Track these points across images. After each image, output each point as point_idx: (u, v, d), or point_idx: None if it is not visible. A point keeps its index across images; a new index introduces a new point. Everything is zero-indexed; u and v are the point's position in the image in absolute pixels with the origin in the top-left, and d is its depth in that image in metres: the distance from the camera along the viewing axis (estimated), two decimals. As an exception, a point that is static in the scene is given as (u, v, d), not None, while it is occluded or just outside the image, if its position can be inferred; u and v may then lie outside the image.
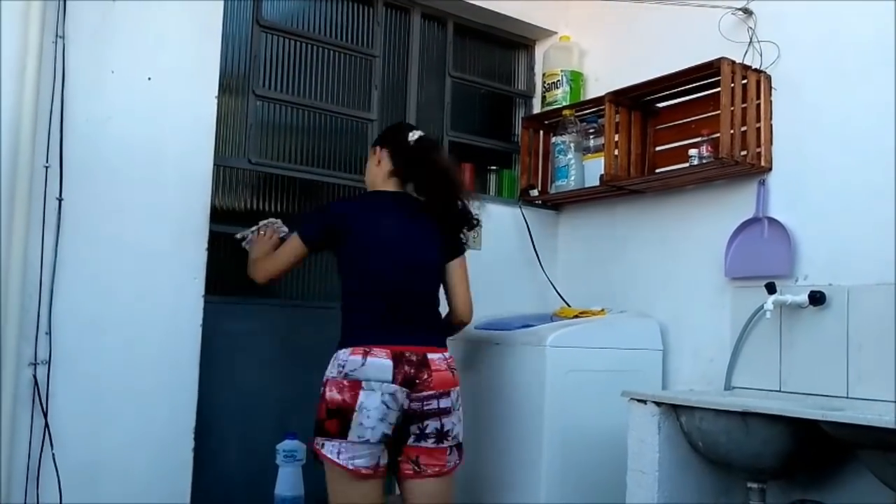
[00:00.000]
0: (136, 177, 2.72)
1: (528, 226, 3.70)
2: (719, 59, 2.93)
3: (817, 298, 2.71)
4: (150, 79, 2.76)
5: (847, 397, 2.59)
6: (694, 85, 3.18)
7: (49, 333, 2.53)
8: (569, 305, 3.55)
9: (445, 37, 3.81)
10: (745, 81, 2.96)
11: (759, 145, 2.97)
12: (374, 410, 2.31)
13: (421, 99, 3.70)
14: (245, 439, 3.07)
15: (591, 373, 2.99)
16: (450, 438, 2.45)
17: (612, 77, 3.57)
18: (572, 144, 3.59)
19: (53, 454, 2.51)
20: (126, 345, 2.68)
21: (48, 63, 2.55)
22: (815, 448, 2.39)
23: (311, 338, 3.25)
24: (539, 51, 4.05)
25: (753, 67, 3.00)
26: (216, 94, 2.90)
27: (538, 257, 3.70)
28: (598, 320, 3.20)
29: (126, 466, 2.66)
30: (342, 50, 3.48)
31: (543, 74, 3.90)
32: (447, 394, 2.42)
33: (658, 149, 3.39)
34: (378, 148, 2.66)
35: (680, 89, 3.25)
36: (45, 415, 2.50)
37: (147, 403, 2.70)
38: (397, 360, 2.35)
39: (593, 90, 3.76)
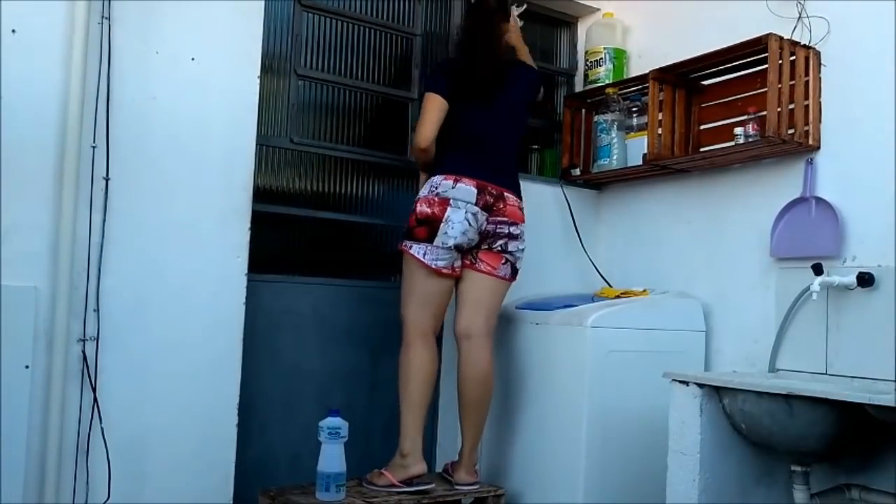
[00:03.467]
0: (181, 156, 2.75)
1: (569, 205, 3.67)
2: (767, 35, 2.87)
3: (866, 280, 2.66)
4: (193, 59, 2.78)
5: (895, 381, 2.54)
6: (740, 62, 3.13)
7: (97, 310, 2.58)
8: (610, 286, 3.53)
9: (487, 14, 3.77)
10: (793, 58, 2.90)
11: (807, 123, 2.91)
12: (457, 224, 2.84)
13: (462, 77, 3.67)
14: (288, 415, 3.11)
15: (633, 353, 2.98)
16: (509, 255, 2.98)
17: (655, 54, 3.51)
18: (615, 123, 3.55)
19: (102, 428, 2.57)
20: (172, 322, 2.72)
21: (94, 44, 2.58)
22: (861, 431, 2.35)
23: (353, 316, 3.28)
24: (581, 28, 4.00)
25: (802, 43, 2.93)
26: (259, 73, 2.91)
27: (580, 237, 3.68)
28: (641, 300, 3.18)
29: (172, 441, 2.71)
30: (383, 29, 3.48)
31: (586, 52, 3.86)
32: (517, 224, 2.97)
33: (703, 127, 3.34)
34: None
35: (726, 66, 3.19)
36: (94, 390, 2.56)
37: (192, 379, 2.75)
38: (481, 189, 2.88)
39: (636, 68, 3.71)
